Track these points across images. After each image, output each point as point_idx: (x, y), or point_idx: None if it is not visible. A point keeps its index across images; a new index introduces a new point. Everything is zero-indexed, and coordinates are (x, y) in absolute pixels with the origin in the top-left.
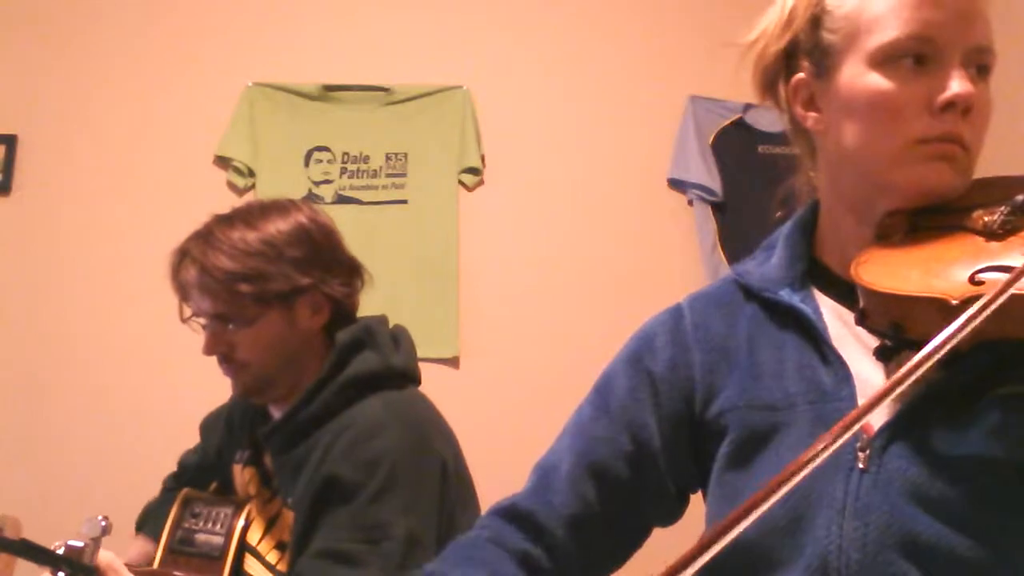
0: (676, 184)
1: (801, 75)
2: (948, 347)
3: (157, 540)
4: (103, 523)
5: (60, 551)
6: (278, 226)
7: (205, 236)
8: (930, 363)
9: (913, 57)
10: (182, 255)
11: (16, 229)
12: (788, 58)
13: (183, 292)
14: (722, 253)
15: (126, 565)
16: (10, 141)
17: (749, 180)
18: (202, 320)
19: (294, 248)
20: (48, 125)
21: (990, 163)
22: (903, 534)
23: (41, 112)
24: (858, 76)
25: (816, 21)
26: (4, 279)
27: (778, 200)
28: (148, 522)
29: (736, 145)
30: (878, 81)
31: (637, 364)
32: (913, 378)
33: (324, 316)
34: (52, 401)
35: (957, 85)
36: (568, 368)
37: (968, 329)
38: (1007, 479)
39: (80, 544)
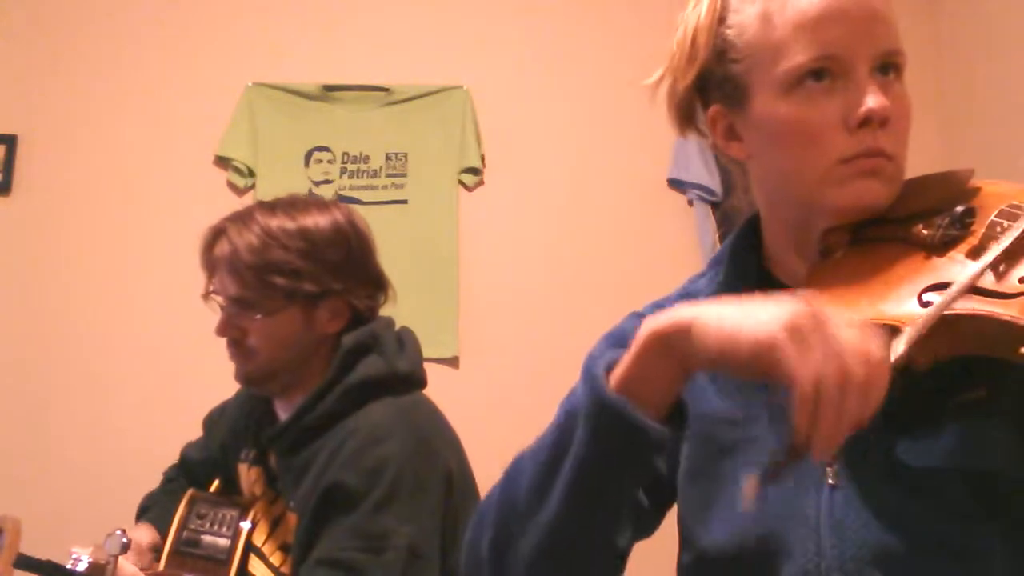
0: (676, 184)
1: (716, 106)
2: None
3: (158, 528)
4: (124, 540)
5: (80, 566)
6: (317, 221)
7: (244, 219)
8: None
9: (821, 77)
10: (218, 233)
11: (16, 229)
12: (700, 91)
13: (211, 268)
14: None
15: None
16: (10, 141)
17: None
18: (221, 300)
19: (332, 251)
20: (48, 125)
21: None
22: (879, 550)
23: (41, 112)
24: (771, 105)
25: (720, 53)
26: (4, 279)
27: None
28: (149, 510)
29: None
30: (791, 108)
31: None
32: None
33: (341, 323)
34: (53, 401)
35: (870, 100)
36: (568, 368)
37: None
38: (973, 490)
39: (103, 562)
